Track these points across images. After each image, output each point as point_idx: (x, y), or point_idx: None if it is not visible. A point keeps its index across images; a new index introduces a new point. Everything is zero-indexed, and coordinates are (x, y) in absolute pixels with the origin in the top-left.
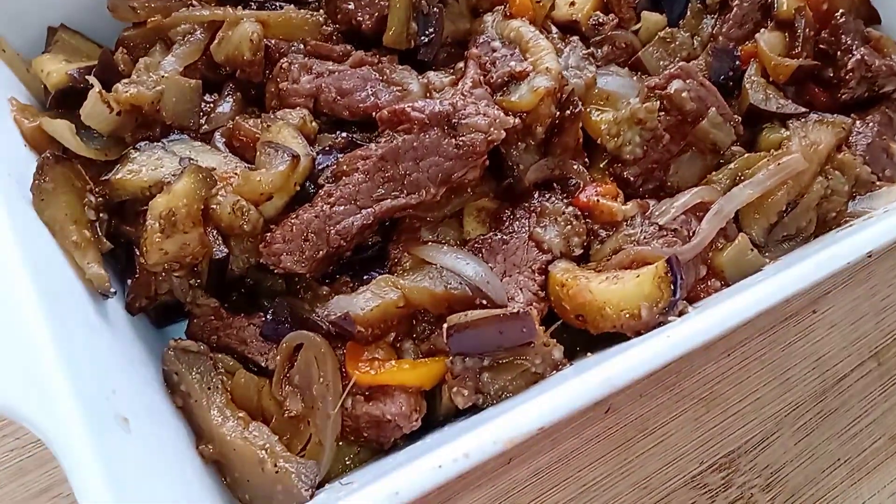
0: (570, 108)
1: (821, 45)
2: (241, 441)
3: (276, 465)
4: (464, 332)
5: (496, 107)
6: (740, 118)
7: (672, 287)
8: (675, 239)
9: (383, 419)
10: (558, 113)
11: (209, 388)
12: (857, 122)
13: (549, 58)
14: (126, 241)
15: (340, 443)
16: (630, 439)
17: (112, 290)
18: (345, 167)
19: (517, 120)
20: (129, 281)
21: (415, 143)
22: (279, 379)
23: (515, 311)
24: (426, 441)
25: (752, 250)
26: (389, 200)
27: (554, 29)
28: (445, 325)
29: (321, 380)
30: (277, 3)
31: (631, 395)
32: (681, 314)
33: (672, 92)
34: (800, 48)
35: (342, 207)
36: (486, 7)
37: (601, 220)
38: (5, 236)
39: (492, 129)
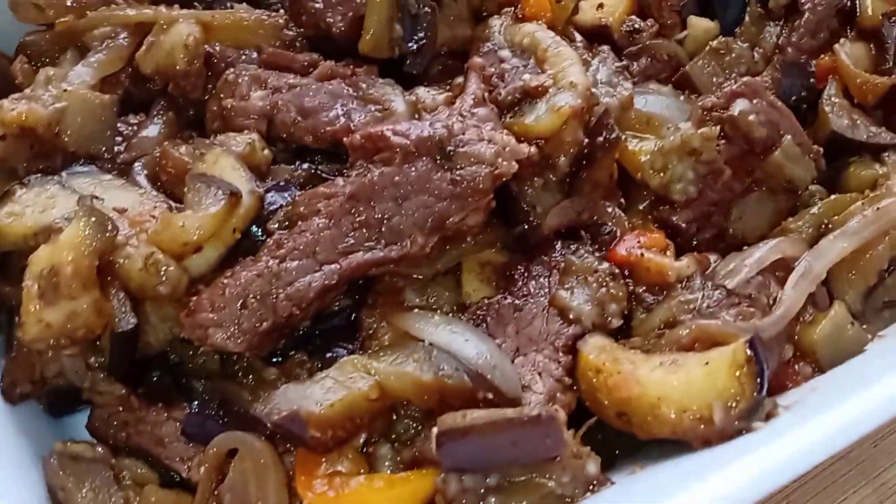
0: (604, 133)
1: None
2: None
3: None
4: (462, 441)
5: (505, 131)
6: (821, 149)
7: (757, 380)
8: (751, 309)
9: None
10: (587, 140)
11: None
12: None
13: (575, 70)
14: (9, 306)
15: None
16: None
17: None
18: (302, 209)
19: (533, 149)
20: (2, 361)
21: (397, 178)
22: (204, 499)
23: (536, 413)
24: None
25: (851, 324)
26: (361, 253)
27: (578, 37)
28: (435, 431)
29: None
30: (229, 3)
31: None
32: (768, 418)
33: (736, 114)
34: (890, 62)
35: (296, 263)
36: (492, 9)
37: (647, 280)
38: None
39: (500, 159)
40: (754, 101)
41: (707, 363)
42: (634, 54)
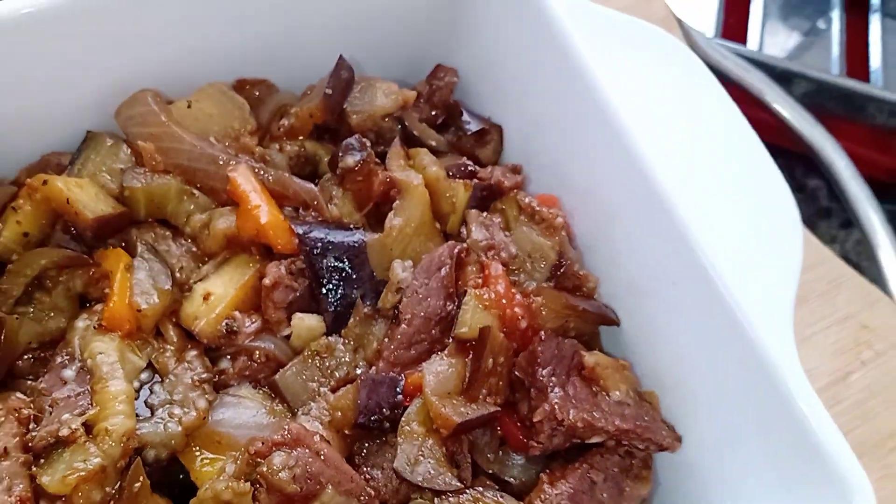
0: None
1: (517, 373)
2: None
3: None
4: None
5: (20, 494)
6: (371, 493)
7: None
8: None
9: None
10: (119, 488)
11: None
12: (546, 486)
13: (117, 410)
14: None
15: None
16: None
17: None
18: None
19: None
20: None
21: None
22: None
23: None
24: None
25: None
26: None
27: (173, 337)
28: None
29: None
30: None
31: None
32: None
33: (265, 470)
34: (475, 385)
35: None
36: (96, 295)
37: None
38: None
39: None
40: (294, 452)
41: None
42: (232, 355)
